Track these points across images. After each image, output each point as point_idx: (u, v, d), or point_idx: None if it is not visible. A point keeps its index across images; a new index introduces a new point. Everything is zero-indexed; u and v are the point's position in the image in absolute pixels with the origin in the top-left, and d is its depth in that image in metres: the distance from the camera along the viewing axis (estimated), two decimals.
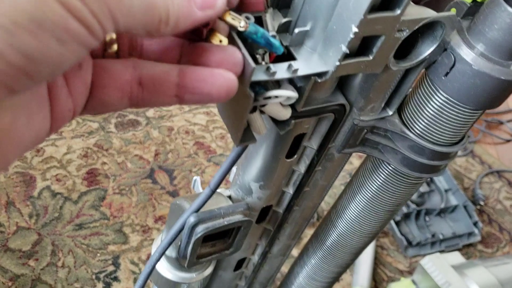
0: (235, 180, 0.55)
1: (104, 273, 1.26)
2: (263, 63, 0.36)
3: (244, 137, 0.39)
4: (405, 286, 1.24)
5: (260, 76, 0.35)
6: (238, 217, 0.49)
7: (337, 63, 0.36)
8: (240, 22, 0.33)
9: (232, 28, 0.34)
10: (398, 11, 0.35)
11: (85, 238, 1.32)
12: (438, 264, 1.20)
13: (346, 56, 0.36)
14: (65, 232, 1.32)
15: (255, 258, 0.65)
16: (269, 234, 0.60)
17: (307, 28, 0.37)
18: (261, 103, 0.38)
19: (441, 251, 1.52)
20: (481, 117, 2.17)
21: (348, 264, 0.67)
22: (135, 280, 1.27)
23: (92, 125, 1.63)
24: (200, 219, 0.47)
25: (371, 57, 0.38)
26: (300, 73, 0.36)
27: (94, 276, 1.25)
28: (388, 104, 0.46)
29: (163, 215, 1.43)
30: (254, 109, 0.39)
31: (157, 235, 0.63)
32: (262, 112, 0.40)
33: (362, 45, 0.37)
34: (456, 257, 1.26)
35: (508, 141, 2.12)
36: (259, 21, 0.37)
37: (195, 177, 0.65)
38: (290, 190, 0.53)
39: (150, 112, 1.75)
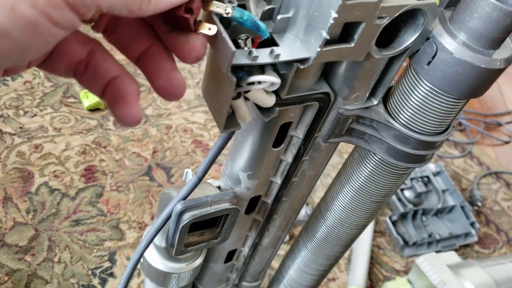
0: (224, 171, 0.55)
1: (100, 269, 1.27)
2: (246, 48, 0.36)
3: (229, 123, 0.40)
4: (400, 285, 1.24)
5: (242, 60, 0.35)
6: (225, 205, 0.50)
7: (318, 49, 0.36)
8: (226, 9, 0.34)
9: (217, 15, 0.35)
10: None
11: (82, 234, 1.32)
12: (434, 264, 1.20)
13: (327, 43, 0.36)
14: (62, 228, 1.32)
15: (246, 250, 0.65)
16: (258, 225, 0.61)
17: (290, 15, 0.38)
18: (245, 89, 0.38)
19: (438, 251, 1.52)
20: (480, 119, 2.17)
21: (338, 256, 0.67)
22: None
23: (91, 122, 1.64)
24: (187, 207, 0.48)
25: (352, 44, 0.38)
26: (282, 58, 0.36)
27: (90, 272, 1.25)
28: (373, 93, 0.47)
29: None
30: (238, 96, 0.39)
31: (148, 226, 0.64)
32: (246, 99, 0.40)
33: (344, 33, 0.38)
34: (452, 257, 1.26)
35: (506, 142, 2.12)
36: (243, 8, 0.37)
37: (186, 170, 0.65)
38: (278, 180, 0.53)
39: (149, 110, 1.76)
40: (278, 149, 0.49)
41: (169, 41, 0.36)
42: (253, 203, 0.57)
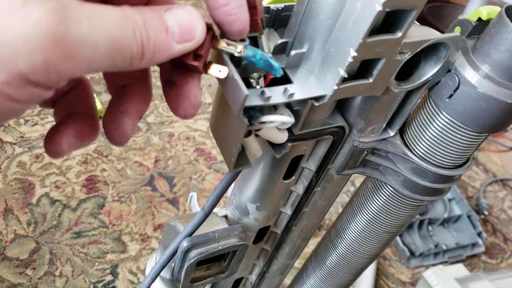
0: (231, 200, 0.53)
1: (102, 282, 1.24)
2: (258, 87, 0.34)
3: (239, 161, 0.38)
4: None
5: (254, 101, 0.33)
6: (233, 241, 0.47)
7: (335, 87, 0.34)
8: (237, 48, 0.32)
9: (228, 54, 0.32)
10: (399, 34, 0.33)
11: (84, 247, 1.30)
12: (442, 277, 1.18)
13: (344, 79, 0.34)
14: (63, 241, 1.30)
15: (253, 277, 0.63)
16: (267, 254, 0.58)
17: (304, 50, 0.36)
18: (256, 127, 0.36)
19: (444, 262, 1.49)
20: None
21: (348, 284, 0.65)
22: None
23: None
24: (194, 244, 0.45)
25: (371, 80, 0.36)
26: (296, 97, 0.34)
27: (92, 286, 1.23)
28: (389, 124, 0.44)
29: (162, 223, 1.41)
30: (248, 133, 0.37)
31: (152, 253, 0.62)
32: (257, 135, 0.38)
33: (362, 67, 0.36)
34: (460, 270, 1.24)
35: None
36: (255, 43, 0.35)
37: (191, 194, 0.63)
38: (288, 211, 0.51)
39: (151, 118, 1.74)
40: (289, 181, 0.47)
41: (164, 90, 0.34)
42: (262, 233, 0.55)
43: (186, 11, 0.29)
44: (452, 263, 1.50)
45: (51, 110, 0.35)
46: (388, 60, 0.35)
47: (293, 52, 0.35)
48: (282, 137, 0.39)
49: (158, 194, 1.49)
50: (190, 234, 0.46)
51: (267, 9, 0.38)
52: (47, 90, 0.25)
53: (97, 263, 1.28)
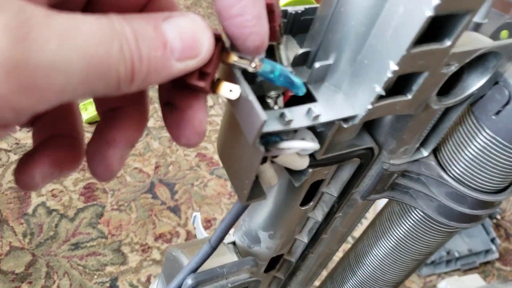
0: (240, 225, 0.47)
1: None
2: (276, 107, 0.28)
3: (252, 193, 0.32)
4: None
5: (272, 125, 0.27)
6: (244, 277, 0.42)
7: (369, 107, 0.28)
8: (251, 62, 0.26)
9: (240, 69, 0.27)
10: (448, 43, 0.27)
11: (82, 259, 1.25)
12: None
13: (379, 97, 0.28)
14: (60, 253, 1.24)
15: None
16: (279, 283, 0.53)
17: (330, 61, 0.30)
18: (274, 153, 0.30)
19: (457, 270, 1.44)
20: None
21: None
22: None
23: (90, 136, 1.56)
24: (199, 281, 0.40)
25: (409, 97, 0.30)
26: (323, 119, 0.28)
27: None
28: (423, 144, 0.39)
29: (163, 232, 1.36)
30: (264, 160, 0.31)
31: (152, 283, 0.56)
32: (273, 161, 0.32)
33: (398, 82, 0.30)
34: (475, 281, 1.19)
35: None
36: (271, 53, 0.29)
37: (194, 214, 0.58)
38: (305, 239, 0.45)
39: (150, 122, 1.68)
40: (307, 207, 0.41)
41: (164, 113, 0.28)
42: (274, 261, 0.49)
43: (190, 21, 0.23)
44: (465, 270, 1.44)
45: None
46: (432, 74, 0.29)
47: (317, 65, 0.29)
48: (303, 163, 0.33)
49: (158, 201, 1.44)
50: (195, 270, 0.40)
51: (284, 13, 0.32)
52: (4, 129, 0.19)
53: (96, 276, 1.22)
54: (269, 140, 0.29)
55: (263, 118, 0.25)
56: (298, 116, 0.28)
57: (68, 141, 0.29)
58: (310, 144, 0.29)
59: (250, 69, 0.26)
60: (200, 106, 0.27)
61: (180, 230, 1.37)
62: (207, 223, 1.40)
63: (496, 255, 1.50)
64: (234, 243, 0.48)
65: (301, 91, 0.28)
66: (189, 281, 0.39)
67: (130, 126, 0.28)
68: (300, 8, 0.32)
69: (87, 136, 0.26)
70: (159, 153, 1.58)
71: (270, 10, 0.26)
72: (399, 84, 0.30)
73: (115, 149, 0.27)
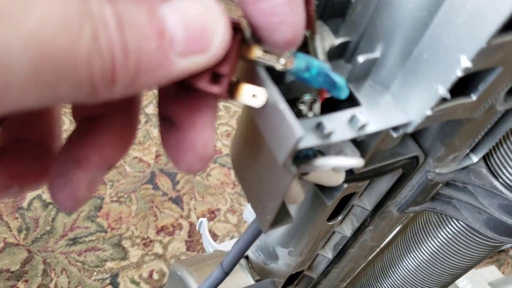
0: None
1: None
2: (311, 114, 0.22)
3: (276, 218, 0.26)
4: None
5: (308, 140, 0.21)
6: None
7: (428, 112, 0.22)
8: (280, 58, 0.20)
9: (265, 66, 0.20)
10: None
11: (80, 255, 1.19)
12: (474, 282, 1.07)
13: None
14: (57, 248, 1.19)
15: None
16: None
17: (377, 54, 0.24)
18: (305, 170, 0.24)
19: None
20: None
21: None
22: None
23: None
24: None
25: (474, 98, 0.24)
26: (371, 129, 0.22)
27: None
28: (473, 148, 0.33)
29: (165, 225, 1.30)
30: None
31: None
32: (302, 178, 0.26)
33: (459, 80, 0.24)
34: (493, 272, 1.13)
35: None
36: (303, 46, 0.23)
37: (200, 219, 0.52)
38: (329, 255, 0.40)
39: (149, 109, 1.62)
40: (334, 222, 0.35)
41: (161, 130, 0.22)
42: (293, 276, 0.43)
43: (198, 3, 0.17)
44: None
45: None
46: (507, 70, 0.23)
47: (361, 59, 0.23)
48: (338, 179, 0.27)
49: (160, 192, 1.38)
50: None
51: None
52: None
53: (95, 273, 1.17)
54: (301, 154, 0.23)
55: (298, 134, 0.19)
56: (340, 126, 0.22)
57: (36, 149, 0.22)
58: (353, 161, 0.23)
59: (279, 67, 0.20)
60: (205, 124, 0.20)
61: (183, 222, 1.32)
62: (211, 214, 1.35)
63: (511, 243, 1.45)
64: (247, 257, 0.42)
65: (344, 94, 0.21)
66: None
67: (110, 142, 0.21)
68: None
69: None
70: (160, 141, 1.52)
71: None
72: (459, 84, 0.24)
73: (85, 172, 0.20)
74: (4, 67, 0.12)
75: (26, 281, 1.12)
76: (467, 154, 0.33)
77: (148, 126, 1.56)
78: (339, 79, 0.21)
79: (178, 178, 1.43)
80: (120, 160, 0.22)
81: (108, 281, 1.16)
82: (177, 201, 1.37)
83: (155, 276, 1.19)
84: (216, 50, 0.18)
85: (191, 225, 1.31)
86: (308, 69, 0.20)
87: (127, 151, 0.22)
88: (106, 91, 0.15)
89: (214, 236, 1.29)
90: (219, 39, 0.17)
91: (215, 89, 0.19)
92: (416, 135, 0.30)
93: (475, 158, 0.33)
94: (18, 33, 0.12)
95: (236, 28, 0.19)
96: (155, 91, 0.22)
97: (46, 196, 1.29)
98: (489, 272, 1.12)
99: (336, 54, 0.25)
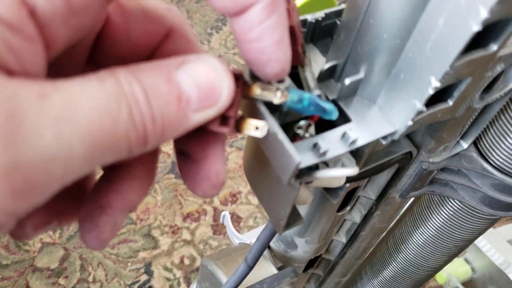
0: None
1: (138, 283, 1.20)
2: (307, 135, 0.26)
3: (289, 221, 0.30)
4: (457, 267, 1.15)
5: (307, 160, 0.25)
6: None
7: (410, 123, 0.26)
8: (276, 93, 0.23)
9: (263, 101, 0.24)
10: (495, 47, 0.24)
11: (114, 248, 1.25)
12: (493, 241, 1.10)
13: None
14: None
15: None
16: (318, 278, 0.51)
17: (361, 75, 0.27)
18: (309, 180, 0.28)
19: None
20: None
21: None
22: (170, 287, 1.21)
23: None
24: None
25: (450, 103, 0.27)
26: (361, 142, 0.26)
27: None
28: (462, 136, 0.36)
29: (191, 212, 1.36)
30: None
31: None
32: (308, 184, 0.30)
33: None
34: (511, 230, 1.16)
35: None
36: (295, 76, 0.27)
37: (223, 212, 0.56)
38: (343, 239, 0.44)
39: None
40: (343, 212, 0.39)
41: (179, 163, 0.25)
42: (312, 260, 0.47)
43: (206, 66, 0.21)
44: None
45: None
46: (476, 79, 0.26)
47: (347, 81, 0.27)
48: (340, 181, 0.30)
49: (182, 181, 1.43)
50: None
51: (304, 22, 0.29)
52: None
53: (129, 263, 1.23)
54: (303, 169, 0.27)
55: (297, 160, 0.23)
56: (333, 143, 0.26)
57: (73, 189, 0.25)
58: (348, 171, 0.27)
59: (276, 101, 0.24)
60: (216, 156, 0.24)
61: (207, 207, 1.37)
62: (233, 197, 1.40)
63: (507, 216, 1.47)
64: (269, 247, 0.47)
65: (334, 116, 0.25)
66: None
67: (132, 188, 0.24)
68: (320, 14, 0.29)
69: None
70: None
71: (292, 32, 0.24)
72: (438, 91, 0.27)
73: (108, 216, 0.23)
74: (67, 159, 0.16)
75: (66, 277, 1.19)
76: (458, 141, 0.36)
77: None
78: (328, 106, 0.24)
79: None
80: (140, 203, 0.25)
81: (142, 270, 1.22)
82: None
83: (186, 261, 1.25)
84: (223, 102, 0.21)
85: (215, 210, 1.36)
86: (301, 101, 0.24)
87: (147, 194, 0.25)
88: (140, 150, 0.19)
89: (238, 219, 1.34)
90: (225, 93, 0.21)
91: (225, 129, 0.22)
92: (408, 133, 0.34)
93: (465, 145, 0.36)
94: (76, 130, 0.16)
95: (237, 77, 0.23)
96: None
97: None
98: (508, 230, 1.15)
99: (327, 76, 0.28)
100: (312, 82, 0.26)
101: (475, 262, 1.16)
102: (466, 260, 1.17)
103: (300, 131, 0.26)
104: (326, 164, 0.29)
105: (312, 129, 0.26)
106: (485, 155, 0.37)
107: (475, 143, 0.37)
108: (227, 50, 1.75)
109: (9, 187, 0.15)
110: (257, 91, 0.24)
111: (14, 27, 0.16)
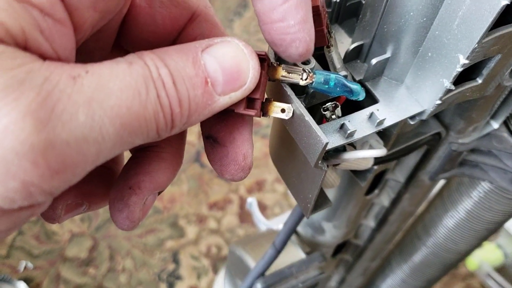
0: None
1: (166, 272, 1.21)
2: (333, 116, 0.26)
3: (316, 205, 0.30)
4: (490, 252, 1.13)
5: (334, 141, 0.25)
6: (313, 274, 0.40)
7: (438, 102, 0.25)
8: (302, 74, 0.23)
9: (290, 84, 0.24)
10: None
11: (141, 237, 1.27)
12: None
13: None
14: (120, 234, 1.27)
15: (332, 283, 0.56)
16: (347, 263, 0.51)
17: (388, 55, 0.27)
18: (336, 162, 0.28)
19: None
20: None
21: (439, 278, 0.57)
22: (198, 276, 1.22)
23: None
24: (269, 285, 0.38)
25: (480, 81, 0.27)
26: (389, 122, 0.26)
27: (156, 277, 1.20)
28: (493, 116, 0.35)
29: (216, 200, 1.36)
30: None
31: (216, 278, 0.56)
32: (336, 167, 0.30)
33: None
34: None
35: None
36: (321, 58, 0.26)
37: (249, 199, 0.56)
38: (372, 223, 0.43)
39: None
40: (371, 196, 0.39)
41: (206, 147, 0.26)
42: (341, 245, 0.47)
43: (232, 48, 0.21)
44: None
45: None
46: (505, 56, 0.26)
47: (374, 61, 0.26)
48: (367, 163, 0.30)
49: (207, 170, 1.44)
50: (263, 273, 0.39)
51: (328, 2, 0.29)
52: (37, 208, 0.17)
53: (158, 253, 1.25)
54: (330, 150, 0.27)
55: (324, 141, 0.22)
56: (361, 124, 0.25)
57: (103, 172, 0.26)
58: (376, 152, 0.27)
59: (302, 83, 0.23)
60: (244, 139, 0.24)
61: (233, 196, 1.38)
62: (259, 186, 1.40)
63: None
64: (297, 232, 0.47)
65: (361, 97, 0.25)
66: (259, 286, 0.38)
67: (160, 170, 0.25)
68: None
69: None
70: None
71: (317, 13, 0.23)
72: (467, 69, 0.27)
73: (138, 197, 0.24)
74: (99, 139, 0.16)
75: (96, 266, 1.21)
76: (488, 122, 0.36)
77: None
78: (355, 86, 0.24)
79: None
80: (169, 184, 0.25)
81: (170, 259, 1.24)
82: None
83: (213, 250, 1.26)
84: (249, 85, 0.21)
85: (241, 198, 1.36)
86: (327, 82, 0.24)
87: (175, 175, 0.25)
88: (167, 133, 0.19)
89: (264, 207, 1.34)
90: (251, 75, 0.21)
91: (251, 112, 0.22)
92: (437, 113, 0.33)
93: (495, 125, 0.36)
94: (106, 112, 0.16)
95: (262, 58, 0.23)
96: None
97: None
98: None
99: (353, 57, 0.28)
100: (338, 63, 0.26)
101: (507, 247, 1.14)
102: (499, 246, 1.16)
103: (326, 113, 0.25)
104: (353, 147, 0.29)
105: (338, 111, 0.26)
106: None
107: (505, 123, 0.37)
108: (249, 36, 1.74)
109: (45, 167, 0.15)
110: (282, 72, 0.23)
111: (45, 11, 0.17)
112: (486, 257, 1.14)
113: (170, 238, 1.28)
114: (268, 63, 0.23)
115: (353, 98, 0.25)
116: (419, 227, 0.52)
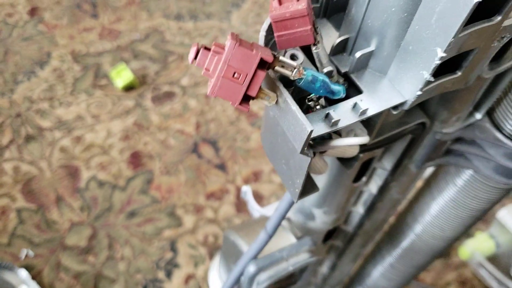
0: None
1: (164, 260, 1.23)
2: (318, 106, 0.27)
3: (304, 189, 0.32)
4: (482, 242, 1.15)
5: (319, 129, 0.26)
6: (304, 257, 0.42)
7: (418, 93, 0.27)
8: (293, 70, 0.25)
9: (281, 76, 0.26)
10: (499, 17, 0.25)
11: (140, 226, 1.29)
12: None
13: None
14: (118, 223, 1.29)
15: (324, 269, 0.58)
16: (337, 249, 0.53)
17: (372, 48, 0.28)
18: (322, 149, 0.29)
19: None
20: None
21: (428, 264, 0.59)
22: (195, 265, 1.24)
23: (128, 103, 1.58)
24: (261, 267, 0.40)
25: (459, 73, 0.28)
26: (371, 112, 0.27)
27: (154, 265, 1.22)
28: (476, 107, 0.37)
29: (214, 190, 1.38)
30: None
31: (211, 264, 0.58)
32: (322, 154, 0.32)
33: (447, 60, 0.28)
34: None
35: None
36: (308, 50, 0.28)
37: (244, 188, 0.58)
38: (360, 210, 0.45)
39: (185, 80, 1.68)
40: (359, 183, 0.41)
41: None
42: (331, 231, 0.49)
43: None
44: None
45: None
46: (483, 49, 0.27)
47: (358, 54, 0.28)
48: (353, 151, 0.32)
49: (204, 160, 1.45)
50: (255, 257, 0.41)
51: None
52: None
53: (156, 241, 1.27)
54: (317, 138, 0.28)
55: (309, 129, 0.24)
56: (345, 113, 0.27)
57: None
58: (360, 139, 0.28)
59: (291, 77, 0.25)
60: None
61: (230, 186, 1.39)
62: (255, 176, 1.42)
63: None
64: (288, 219, 0.48)
65: (343, 95, 0.27)
66: (251, 268, 0.40)
67: None
68: None
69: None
70: (198, 111, 1.59)
71: (302, 15, 0.25)
72: (447, 62, 0.28)
73: None
74: None
75: (95, 254, 1.23)
76: (472, 113, 0.37)
77: (185, 98, 1.62)
78: (337, 88, 0.26)
79: (220, 145, 1.50)
80: None
81: (168, 248, 1.26)
82: (222, 167, 1.44)
83: (210, 239, 1.28)
84: None
85: (238, 189, 1.38)
86: (313, 82, 0.25)
87: None
88: None
89: (260, 197, 1.36)
90: None
91: (245, 109, 0.24)
92: (421, 103, 0.35)
93: (479, 115, 0.37)
94: None
95: (266, 62, 0.24)
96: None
97: (101, 176, 1.38)
98: None
99: (339, 50, 0.30)
100: (324, 58, 0.28)
101: (499, 237, 1.16)
102: (491, 235, 1.18)
103: (311, 103, 0.27)
104: (339, 135, 0.30)
105: (322, 100, 0.27)
106: (498, 125, 0.38)
107: (488, 114, 0.38)
108: (247, 28, 1.76)
109: None
110: (277, 64, 0.25)
111: None
112: (478, 246, 1.16)
113: (168, 227, 1.29)
114: (269, 65, 0.25)
115: (335, 97, 0.26)
116: (408, 214, 0.54)
